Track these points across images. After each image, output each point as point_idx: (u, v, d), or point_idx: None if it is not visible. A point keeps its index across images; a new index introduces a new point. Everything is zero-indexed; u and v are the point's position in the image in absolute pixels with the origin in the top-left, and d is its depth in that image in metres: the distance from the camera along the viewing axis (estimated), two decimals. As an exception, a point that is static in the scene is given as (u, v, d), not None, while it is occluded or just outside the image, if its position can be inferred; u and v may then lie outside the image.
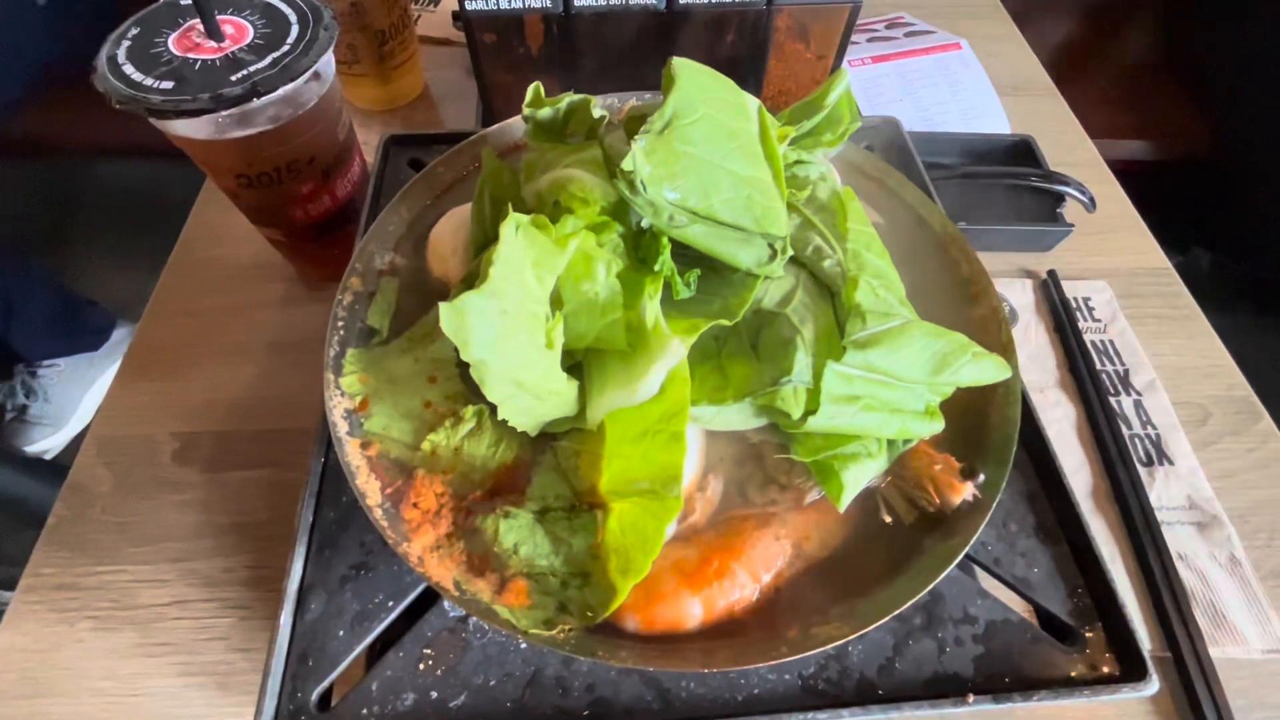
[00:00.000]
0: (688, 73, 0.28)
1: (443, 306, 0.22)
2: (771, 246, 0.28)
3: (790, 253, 0.29)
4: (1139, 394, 0.57)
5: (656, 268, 0.27)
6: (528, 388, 0.25)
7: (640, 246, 0.28)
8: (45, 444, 1.43)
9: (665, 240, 0.27)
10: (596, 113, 0.30)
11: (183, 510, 0.49)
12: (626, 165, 0.26)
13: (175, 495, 0.50)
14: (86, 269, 1.68)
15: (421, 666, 0.29)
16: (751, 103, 0.31)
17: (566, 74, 0.63)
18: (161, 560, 0.47)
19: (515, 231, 0.23)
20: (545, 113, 0.32)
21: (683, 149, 0.27)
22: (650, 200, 0.26)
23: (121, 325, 1.48)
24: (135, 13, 0.46)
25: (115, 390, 0.56)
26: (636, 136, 0.27)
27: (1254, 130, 1.38)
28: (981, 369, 0.29)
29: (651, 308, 0.27)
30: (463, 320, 0.22)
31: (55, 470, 1.39)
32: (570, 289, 0.27)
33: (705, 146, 0.28)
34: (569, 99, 0.32)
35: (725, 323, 0.28)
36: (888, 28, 0.86)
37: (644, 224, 0.28)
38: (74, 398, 1.44)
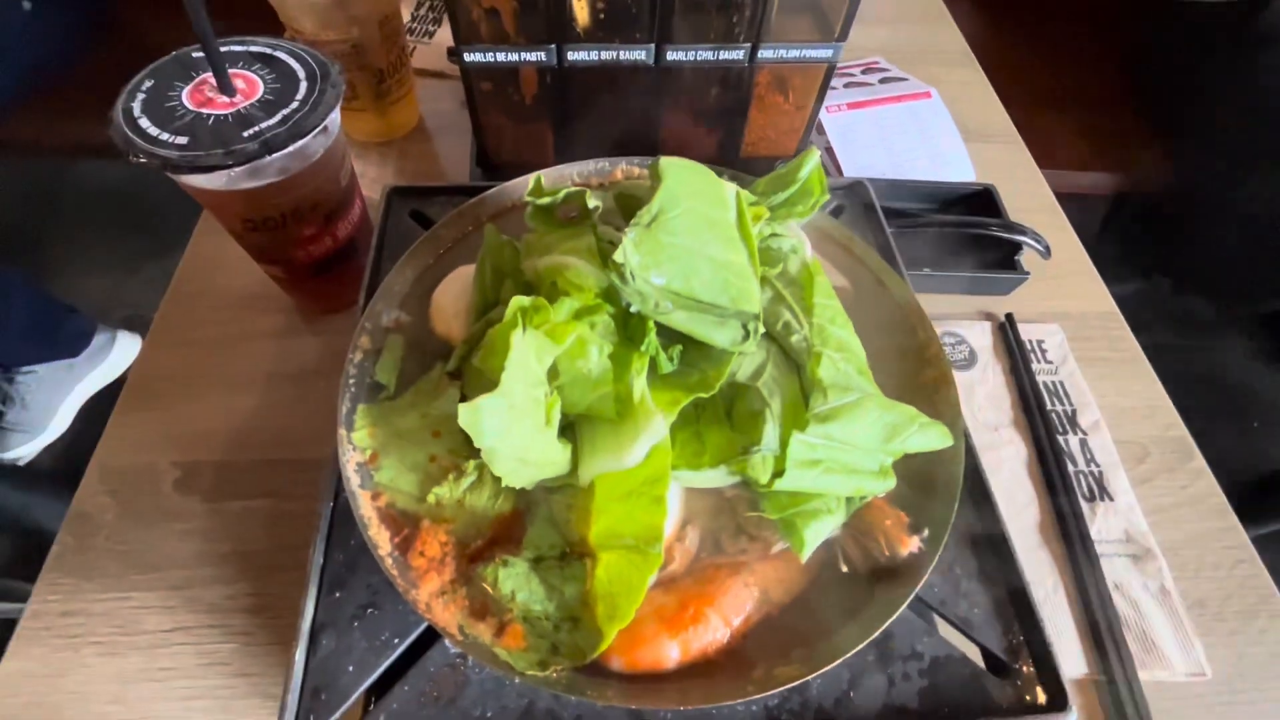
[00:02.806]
0: (673, 171, 0.32)
1: (461, 408, 0.25)
2: (745, 327, 0.32)
3: (763, 331, 0.33)
4: (1085, 433, 0.61)
5: (643, 348, 0.31)
6: (530, 462, 0.28)
7: (629, 327, 0.32)
8: (20, 451, 1.42)
9: (651, 323, 0.31)
10: (591, 203, 0.33)
11: (185, 539, 0.51)
12: (618, 258, 0.29)
13: (177, 524, 0.52)
14: (65, 272, 1.66)
15: (423, 700, 0.32)
16: (730, 191, 0.35)
17: (559, 120, 0.66)
18: (165, 587, 0.49)
19: (522, 339, 0.27)
20: (545, 200, 0.35)
21: (667, 240, 0.31)
22: (639, 290, 0.29)
23: (101, 330, 1.47)
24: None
25: (118, 419, 0.58)
26: (627, 229, 0.30)
27: (1212, 162, 1.46)
28: (927, 437, 0.33)
29: (638, 383, 0.30)
30: (477, 418, 0.25)
31: (27, 477, 1.38)
32: (566, 365, 0.30)
33: (687, 236, 0.31)
34: (566, 191, 0.35)
35: (703, 395, 0.31)
36: (864, 72, 0.90)
37: (633, 308, 0.32)
38: (52, 405, 1.43)
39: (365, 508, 0.33)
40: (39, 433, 1.43)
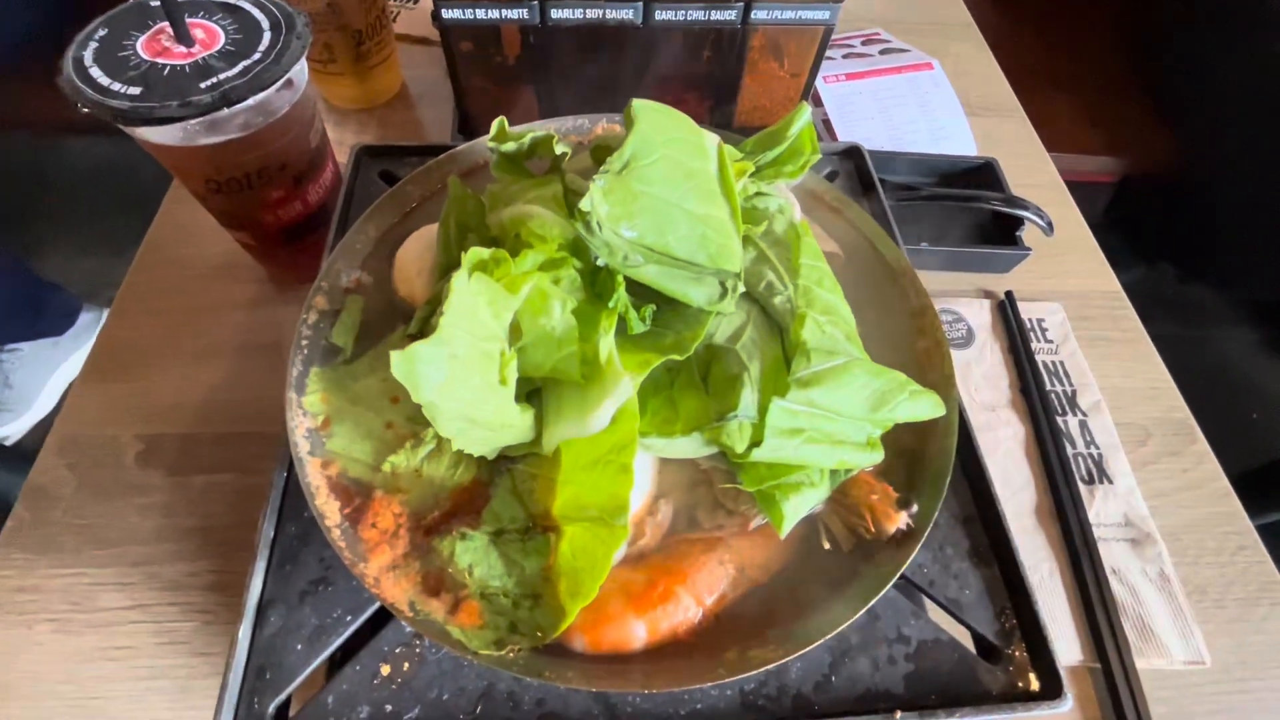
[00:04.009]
0: (647, 114, 0.29)
1: (393, 354, 0.23)
2: (723, 285, 0.30)
3: (741, 290, 0.31)
4: (1084, 414, 0.59)
5: (611, 304, 0.28)
6: (481, 423, 0.26)
7: (597, 282, 0.29)
8: (5, 430, 1.40)
9: (620, 278, 0.28)
10: (559, 149, 0.31)
11: (146, 513, 0.49)
12: (584, 206, 0.27)
13: (138, 498, 0.50)
14: (51, 250, 1.64)
15: (377, 680, 0.30)
16: (711, 140, 0.32)
17: (543, 84, 0.64)
18: (123, 564, 0.47)
19: (467, 280, 0.24)
20: (509, 146, 0.32)
21: (640, 189, 0.28)
22: (606, 241, 0.27)
23: (87, 310, 1.45)
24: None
25: (79, 390, 0.56)
26: (595, 177, 0.28)
27: (1219, 149, 1.43)
28: (917, 406, 0.31)
29: (605, 343, 0.28)
30: (413, 367, 0.23)
31: (14, 457, 1.37)
32: (528, 322, 0.28)
33: (662, 186, 0.29)
34: (532, 135, 0.33)
35: (676, 357, 0.29)
36: (864, 44, 0.87)
37: (601, 261, 0.29)
38: (37, 383, 1.41)
39: (314, 476, 0.31)
40: (24, 411, 1.41)
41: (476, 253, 0.27)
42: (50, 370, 1.46)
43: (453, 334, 0.23)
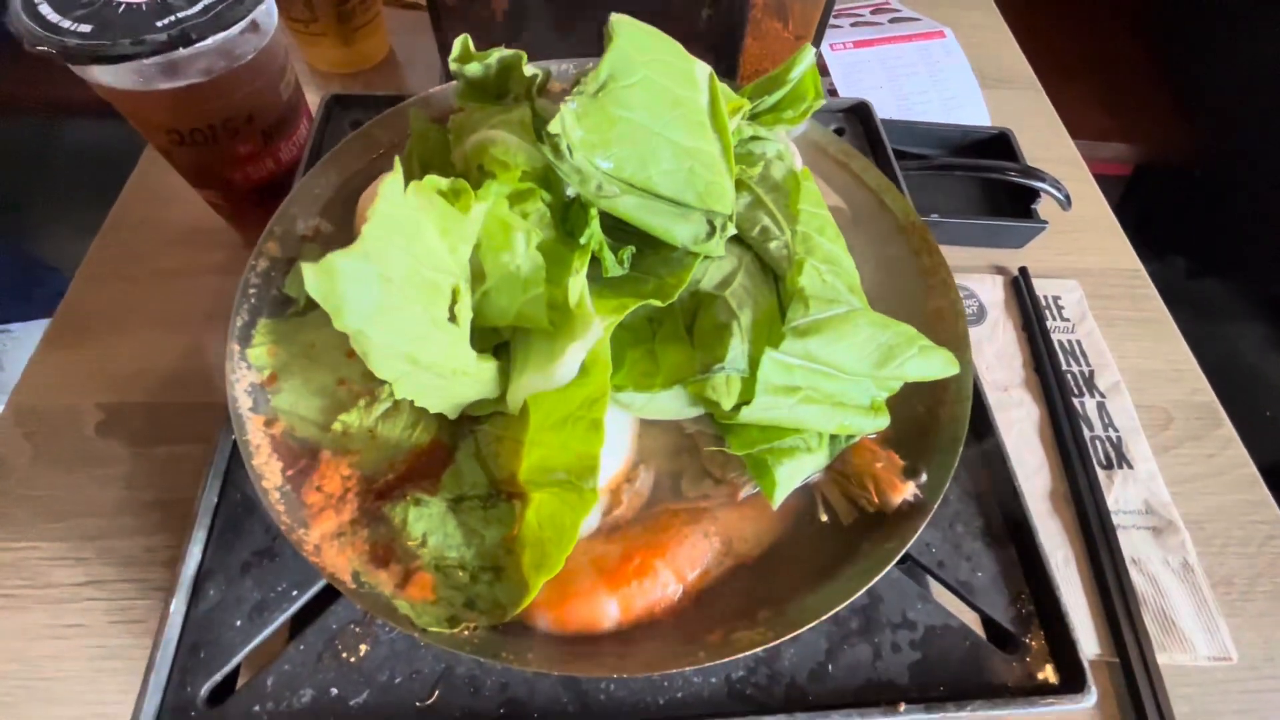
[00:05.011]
0: (628, 31, 0.26)
1: (306, 268, 0.19)
2: (710, 223, 0.26)
3: (732, 230, 0.27)
4: (1103, 396, 0.56)
5: (583, 240, 0.25)
6: (426, 366, 0.23)
7: (568, 217, 0.26)
8: (-2, 412, 1.37)
9: (594, 211, 0.25)
10: (528, 71, 0.28)
11: (105, 485, 0.47)
12: (553, 128, 0.24)
13: (98, 469, 0.47)
14: (48, 232, 1.62)
15: (322, 661, 0.27)
16: (701, 69, 0.29)
17: (532, 40, 0.60)
18: (79, 537, 0.45)
19: (399, 189, 0.21)
20: (474, 68, 0.29)
21: (619, 113, 0.25)
22: (577, 166, 0.24)
23: (81, 291, 1.43)
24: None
25: (40, 356, 0.53)
26: (567, 98, 0.24)
27: (1236, 141, 1.38)
28: (929, 363, 0.27)
29: (576, 283, 0.25)
30: (332, 284, 0.20)
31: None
32: (490, 261, 0.25)
33: (644, 112, 0.26)
34: (499, 54, 0.29)
35: (657, 303, 0.26)
36: (873, 13, 0.83)
37: (572, 192, 0.26)
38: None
39: (254, 434, 0.28)
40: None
41: (432, 180, 0.23)
42: (42, 352, 1.43)
43: (382, 249, 0.20)
